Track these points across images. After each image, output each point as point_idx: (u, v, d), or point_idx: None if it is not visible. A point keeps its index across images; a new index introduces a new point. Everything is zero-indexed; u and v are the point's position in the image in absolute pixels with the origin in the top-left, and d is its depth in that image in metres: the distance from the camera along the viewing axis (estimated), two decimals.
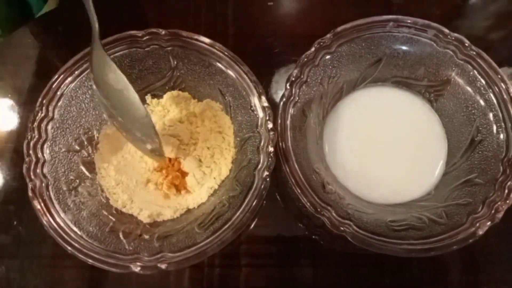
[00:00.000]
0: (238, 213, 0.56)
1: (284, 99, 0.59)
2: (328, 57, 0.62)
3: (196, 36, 0.63)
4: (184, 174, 0.67)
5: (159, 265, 0.54)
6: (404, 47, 0.63)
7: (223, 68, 0.63)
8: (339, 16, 0.82)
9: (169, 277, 0.69)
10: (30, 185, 0.58)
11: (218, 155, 0.67)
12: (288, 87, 0.59)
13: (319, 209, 0.55)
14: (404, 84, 0.68)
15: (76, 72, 0.62)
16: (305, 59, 0.60)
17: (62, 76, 0.61)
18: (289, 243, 0.70)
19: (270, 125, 0.58)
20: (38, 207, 0.57)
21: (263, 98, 0.60)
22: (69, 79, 0.62)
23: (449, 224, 0.56)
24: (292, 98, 0.59)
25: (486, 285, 0.68)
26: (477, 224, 0.54)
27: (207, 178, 0.66)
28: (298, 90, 0.60)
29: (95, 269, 0.64)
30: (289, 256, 0.70)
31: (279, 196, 0.71)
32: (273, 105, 0.59)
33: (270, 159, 0.57)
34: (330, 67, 0.63)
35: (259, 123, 0.60)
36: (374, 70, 0.66)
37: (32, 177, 0.58)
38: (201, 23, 0.81)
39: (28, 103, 0.78)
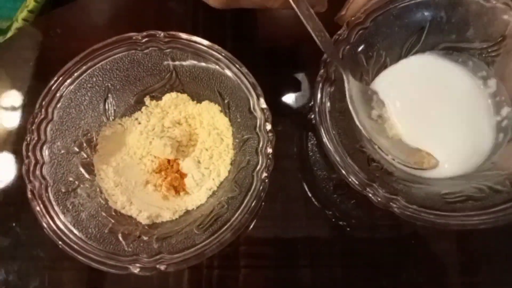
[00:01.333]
0: (237, 214, 0.56)
1: (320, 79, 0.58)
2: (362, 32, 0.60)
3: (194, 38, 0.63)
4: (183, 176, 0.68)
5: (158, 266, 0.54)
6: (446, 10, 0.60)
7: (221, 69, 0.63)
8: None
9: (168, 278, 0.69)
10: (29, 187, 0.58)
11: (217, 157, 0.67)
12: (323, 67, 0.58)
13: (364, 186, 0.54)
14: (455, 49, 0.64)
15: (75, 74, 0.62)
16: (338, 38, 0.60)
17: (61, 78, 0.62)
18: (288, 245, 0.70)
19: (269, 127, 0.59)
20: (38, 208, 0.57)
21: (262, 99, 0.60)
22: (68, 81, 0.62)
23: None
24: (327, 77, 0.58)
25: (484, 286, 0.68)
26: None
27: (206, 180, 0.67)
28: (332, 70, 0.58)
29: (94, 271, 0.64)
30: (288, 257, 0.70)
31: (277, 197, 0.72)
32: (271, 106, 0.60)
33: (268, 160, 0.57)
34: (367, 43, 0.62)
35: (258, 125, 0.60)
36: (418, 40, 0.64)
37: (31, 178, 0.58)
38: (199, 25, 0.81)
39: (27, 105, 0.78)
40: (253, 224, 0.70)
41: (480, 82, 0.64)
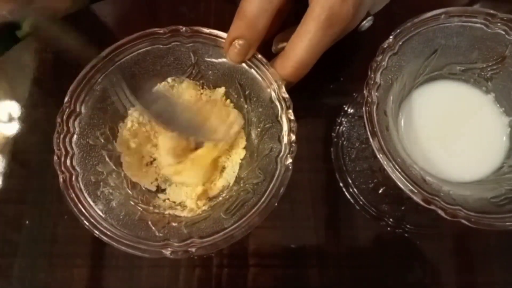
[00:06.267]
0: (263, 199, 0.60)
1: (369, 105, 0.63)
2: (394, 58, 0.67)
3: (215, 32, 0.68)
4: None
5: (189, 249, 0.58)
6: (456, 35, 0.68)
7: None
8: None
9: (178, 276, 0.74)
10: (61, 177, 0.62)
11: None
12: (367, 92, 0.64)
13: (429, 201, 0.58)
14: (459, 69, 0.74)
15: (102, 69, 0.67)
16: (375, 65, 0.65)
17: (88, 73, 0.66)
18: (296, 245, 0.76)
19: (291, 114, 0.63)
20: (72, 196, 0.61)
21: (283, 88, 0.65)
22: (96, 76, 0.67)
23: None
24: (372, 101, 0.63)
25: (486, 286, 0.74)
26: None
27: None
28: (376, 93, 0.63)
29: (106, 268, 0.70)
30: (296, 257, 0.75)
31: (286, 198, 0.74)
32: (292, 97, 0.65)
33: (291, 147, 0.62)
34: (397, 66, 0.68)
35: (279, 114, 0.65)
36: (430, 61, 0.71)
37: (63, 169, 0.62)
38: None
39: (47, 103, 0.86)
40: (262, 224, 0.75)
41: (490, 96, 0.74)
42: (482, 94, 0.74)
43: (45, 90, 0.88)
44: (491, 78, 0.72)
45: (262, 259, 0.76)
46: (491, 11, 0.66)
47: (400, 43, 0.66)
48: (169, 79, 0.74)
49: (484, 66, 0.71)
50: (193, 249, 0.58)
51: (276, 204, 0.60)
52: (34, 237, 0.77)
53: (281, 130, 0.64)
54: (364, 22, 0.73)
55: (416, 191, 0.58)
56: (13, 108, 0.87)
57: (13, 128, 0.85)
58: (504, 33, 0.67)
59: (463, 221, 0.56)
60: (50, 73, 0.90)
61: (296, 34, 0.65)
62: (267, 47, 0.73)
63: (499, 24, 0.66)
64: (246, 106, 0.73)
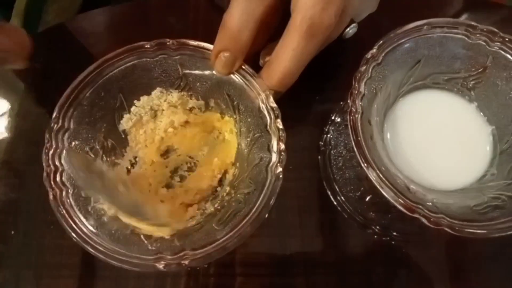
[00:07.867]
0: (254, 209, 0.61)
1: (353, 115, 0.64)
2: (378, 68, 0.68)
3: (202, 44, 0.69)
4: None
5: (182, 262, 0.58)
6: (439, 46, 0.70)
7: None
8: None
9: (165, 286, 0.75)
10: (51, 193, 0.62)
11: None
12: (351, 102, 0.65)
13: (413, 209, 0.59)
14: (442, 78, 0.75)
15: (89, 84, 0.68)
16: (359, 75, 0.66)
17: (76, 88, 0.67)
18: (283, 253, 0.77)
19: (280, 124, 0.65)
20: (63, 212, 0.62)
21: (271, 98, 0.66)
22: (84, 91, 0.68)
23: None
24: (356, 110, 0.64)
25: None
26: None
27: None
28: (360, 103, 0.65)
29: (92, 279, 0.71)
30: (283, 265, 0.76)
31: (273, 206, 0.74)
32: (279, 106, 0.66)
33: (281, 156, 0.63)
34: (381, 76, 0.69)
35: (269, 123, 0.66)
36: (414, 71, 0.73)
37: (53, 185, 0.63)
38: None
39: (34, 115, 0.88)
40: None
41: (473, 105, 0.76)
42: (466, 103, 0.76)
43: (36, 100, 0.89)
44: (474, 87, 0.74)
45: (249, 268, 0.77)
46: (472, 23, 0.68)
47: (384, 53, 0.68)
48: (158, 91, 0.75)
49: (467, 75, 0.73)
50: (186, 262, 0.59)
51: (267, 213, 0.61)
52: (20, 248, 0.78)
53: (271, 139, 0.65)
54: (348, 29, 0.75)
55: (399, 199, 0.59)
56: (3, 117, 0.88)
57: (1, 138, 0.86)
58: (484, 44, 0.69)
59: (446, 229, 0.58)
60: (41, 83, 0.91)
61: (279, 45, 0.67)
62: (256, 59, 0.75)
63: (478, 35, 0.68)
64: (235, 116, 0.74)
